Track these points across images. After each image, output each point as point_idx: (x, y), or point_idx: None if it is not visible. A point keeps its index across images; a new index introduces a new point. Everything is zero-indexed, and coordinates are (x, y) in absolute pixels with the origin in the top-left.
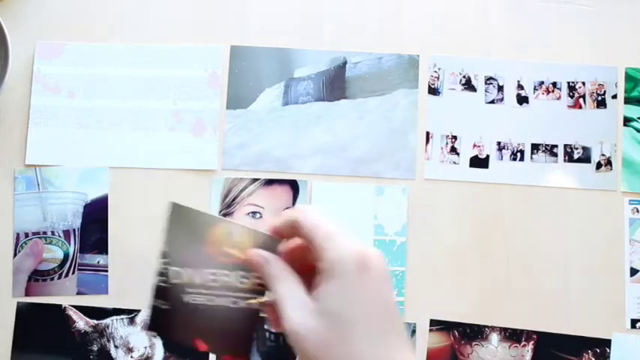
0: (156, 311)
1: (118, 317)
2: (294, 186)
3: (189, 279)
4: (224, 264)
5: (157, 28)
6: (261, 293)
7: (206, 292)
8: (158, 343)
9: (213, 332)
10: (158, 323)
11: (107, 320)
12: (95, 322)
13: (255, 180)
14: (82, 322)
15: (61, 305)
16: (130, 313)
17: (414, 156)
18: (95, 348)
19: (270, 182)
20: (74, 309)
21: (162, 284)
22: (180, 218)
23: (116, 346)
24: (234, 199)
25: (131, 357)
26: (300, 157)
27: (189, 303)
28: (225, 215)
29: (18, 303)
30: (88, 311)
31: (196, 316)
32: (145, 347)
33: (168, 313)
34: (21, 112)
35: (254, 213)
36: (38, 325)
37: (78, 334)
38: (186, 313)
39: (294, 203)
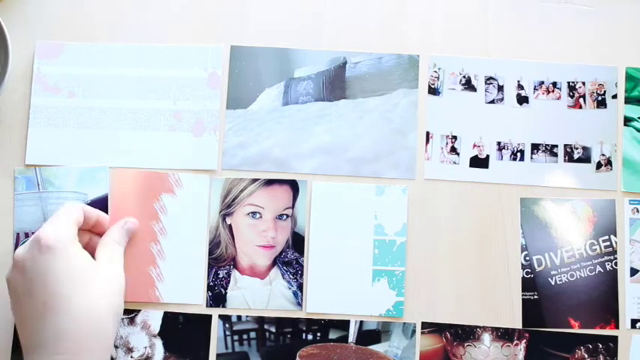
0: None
1: None
2: (294, 186)
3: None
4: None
5: (157, 28)
6: None
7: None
8: (158, 343)
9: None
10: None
11: None
12: None
13: (255, 180)
14: None
15: None
16: (130, 313)
17: (414, 156)
18: None
19: (270, 182)
20: None
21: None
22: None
23: (116, 346)
24: (234, 199)
25: (131, 357)
26: (300, 157)
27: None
28: (225, 215)
29: None
30: None
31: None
32: (145, 347)
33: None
34: (21, 112)
35: (254, 213)
36: None
37: None
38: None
39: (294, 203)
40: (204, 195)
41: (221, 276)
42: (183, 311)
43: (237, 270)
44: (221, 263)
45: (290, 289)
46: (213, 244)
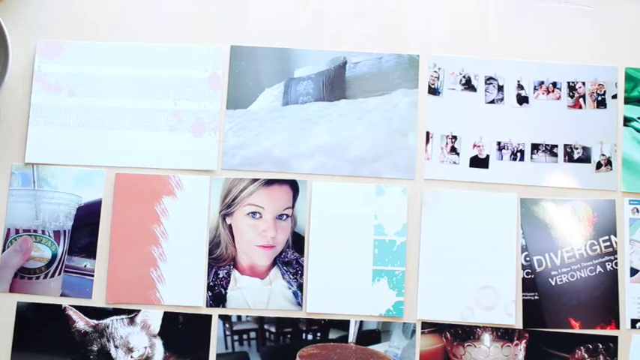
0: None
1: (118, 317)
2: (293, 186)
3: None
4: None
5: (158, 28)
6: None
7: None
8: (158, 343)
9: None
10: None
11: (107, 320)
12: (95, 322)
13: (255, 180)
14: (82, 322)
15: (61, 305)
16: (130, 313)
17: (414, 156)
18: (95, 348)
19: (269, 182)
20: (74, 309)
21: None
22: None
23: (116, 346)
24: (234, 199)
25: (131, 357)
26: (300, 157)
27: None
28: (225, 216)
29: (18, 303)
30: (89, 311)
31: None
32: (145, 347)
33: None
34: (21, 110)
35: (254, 213)
36: (38, 325)
37: (78, 334)
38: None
39: (294, 203)
40: (204, 195)
41: (221, 276)
42: (184, 311)
43: (237, 270)
44: (221, 263)
45: (290, 289)
46: (213, 244)
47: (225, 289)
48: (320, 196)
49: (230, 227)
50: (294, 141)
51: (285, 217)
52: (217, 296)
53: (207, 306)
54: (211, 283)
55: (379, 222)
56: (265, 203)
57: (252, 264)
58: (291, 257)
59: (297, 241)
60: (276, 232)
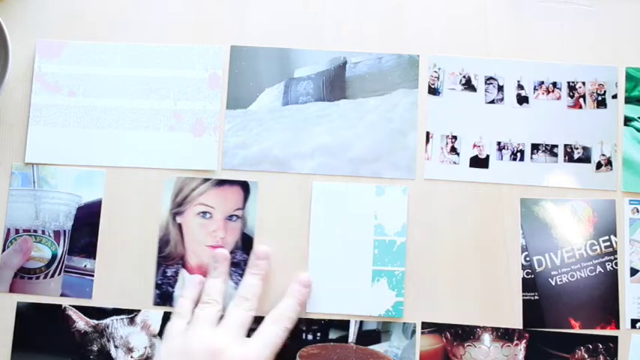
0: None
1: (118, 317)
2: (244, 187)
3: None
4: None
5: (157, 28)
6: None
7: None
8: (158, 343)
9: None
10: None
11: (107, 320)
12: (95, 322)
13: (206, 180)
14: (82, 322)
15: (61, 305)
16: (130, 313)
17: (414, 156)
18: (95, 348)
19: (221, 183)
20: (74, 309)
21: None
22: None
23: (116, 346)
24: (185, 199)
25: (131, 357)
26: (300, 157)
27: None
28: (175, 214)
29: (18, 303)
30: (89, 311)
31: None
32: (145, 347)
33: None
34: (21, 110)
35: (204, 213)
36: (38, 325)
37: (78, 334)
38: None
39: (244, 204)
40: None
41: (169, 274)
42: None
43: (186, 269)
44: (170, 262)
45: (236, 289)
46: (163, 242)
47: (173, 287)
48: (320, 196)
49: (180, 226)
50: (294, 141)
51: (234, 217)
52: (164, 295)
53: (154, 304)
54: (159, 282)
55: (379, 222)
56: (216, 203)
57: (200, 263)
58: (240, 258)
59: (246, 243)
60: (225, 233)
